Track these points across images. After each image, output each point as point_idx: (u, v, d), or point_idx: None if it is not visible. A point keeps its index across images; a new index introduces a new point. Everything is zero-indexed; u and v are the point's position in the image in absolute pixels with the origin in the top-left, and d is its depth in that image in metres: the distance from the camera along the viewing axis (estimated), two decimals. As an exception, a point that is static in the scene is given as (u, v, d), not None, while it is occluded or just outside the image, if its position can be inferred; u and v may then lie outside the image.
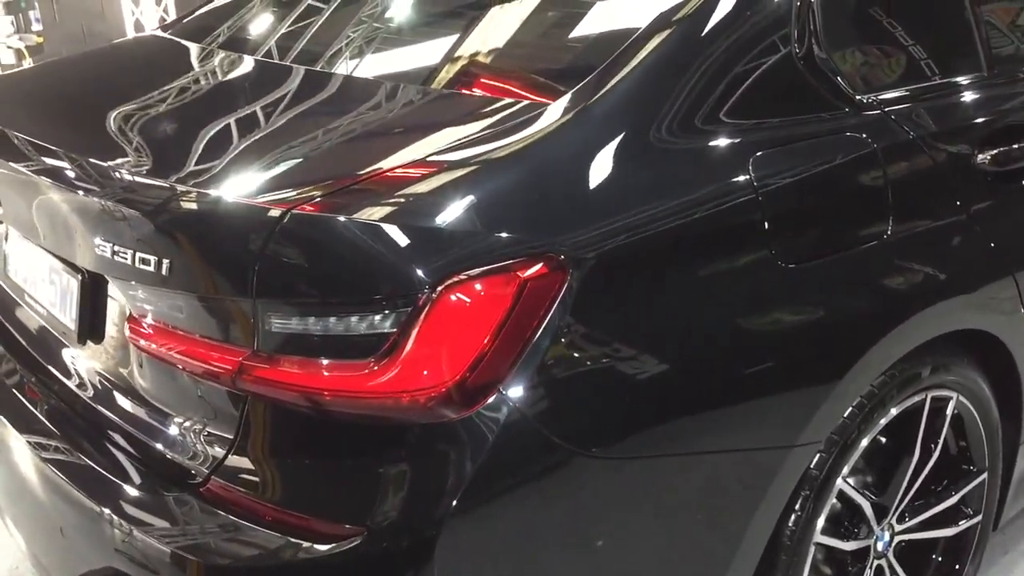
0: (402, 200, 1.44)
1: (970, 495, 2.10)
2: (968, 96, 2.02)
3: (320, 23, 2.23)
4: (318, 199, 1.44)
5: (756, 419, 1.62)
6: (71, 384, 1.87)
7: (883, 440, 1.91)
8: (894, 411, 1.85)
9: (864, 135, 1.77)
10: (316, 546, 1.41)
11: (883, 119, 1.82)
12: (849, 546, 1.89)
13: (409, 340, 1.38)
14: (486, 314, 1.38)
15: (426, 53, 2.03)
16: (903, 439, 1.93)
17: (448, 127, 1.65)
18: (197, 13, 2.62)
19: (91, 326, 1.81)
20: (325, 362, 1.42)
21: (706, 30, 1.68)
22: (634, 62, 1.62)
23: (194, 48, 2.33)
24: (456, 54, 1.96)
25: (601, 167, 1.52)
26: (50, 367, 1.94)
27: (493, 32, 1.99)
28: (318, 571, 1.41)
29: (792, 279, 1.63)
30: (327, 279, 1.42)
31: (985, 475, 2.09)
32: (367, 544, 1.39)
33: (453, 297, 1.37)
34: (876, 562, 1.97)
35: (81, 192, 1.66)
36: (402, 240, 1.39)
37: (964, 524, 2.11)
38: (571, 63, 1.84)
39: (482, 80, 1.84)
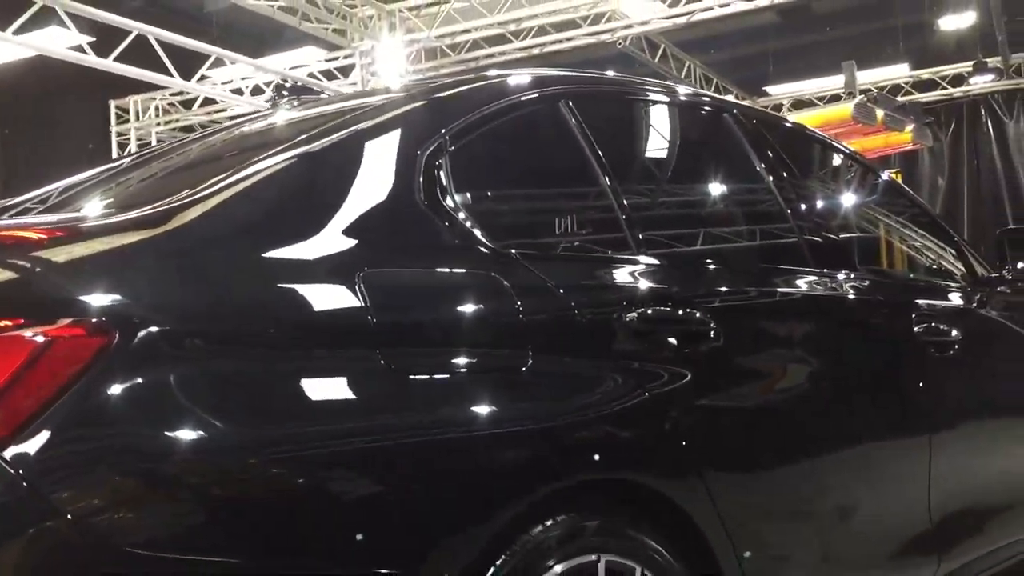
0: None
1: None
2: (609, 265, 2.12)
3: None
4: None
5: (334, 542, 1.51)
6: None
7: None
8: (558, 569, 1.73)
9: (491, 273, 1.83)
10: None
11: (512, 263, 1.88)
12: None
13: None
14: None
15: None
16: None
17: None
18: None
19: None
20: None
21: (329, 157, 1.85)
22: (243, 182, 1.73)
23: None
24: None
25: (178, 258, 1.58)
26: None
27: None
28: None
29: (399, 391, 1.62)
30: None
31: None
32: None
33: None
34: None
35: None
36: None
37: None
38: (185, 182, 1.90)
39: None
